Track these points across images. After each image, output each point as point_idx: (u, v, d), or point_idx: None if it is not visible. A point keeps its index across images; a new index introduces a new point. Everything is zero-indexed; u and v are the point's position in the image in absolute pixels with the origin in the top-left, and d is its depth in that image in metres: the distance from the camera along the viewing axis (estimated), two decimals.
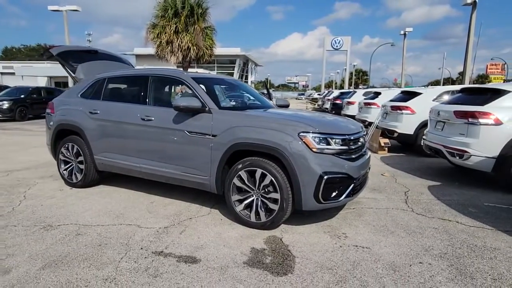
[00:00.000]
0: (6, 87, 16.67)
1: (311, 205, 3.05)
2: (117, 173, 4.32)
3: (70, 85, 20.42)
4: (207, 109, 3.51)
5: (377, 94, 11.20)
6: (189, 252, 2.77)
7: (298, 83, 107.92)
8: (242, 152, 3.30)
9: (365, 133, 3.75)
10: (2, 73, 39.79)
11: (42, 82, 35.13)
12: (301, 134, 3.05)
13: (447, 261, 2.62)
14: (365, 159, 3.51)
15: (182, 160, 3.62)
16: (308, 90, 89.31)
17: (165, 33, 19.40)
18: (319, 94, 46.16)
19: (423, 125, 7.14)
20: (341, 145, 3.15)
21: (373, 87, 30.46)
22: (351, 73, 56.54)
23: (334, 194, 3.10)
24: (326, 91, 27.40)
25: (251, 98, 4.67)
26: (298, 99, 58.96)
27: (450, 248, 2.85)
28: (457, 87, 7.78)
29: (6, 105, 13.55)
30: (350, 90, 17.64)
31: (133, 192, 4.39)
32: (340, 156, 3.12)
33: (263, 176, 3.15)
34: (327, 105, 18.96)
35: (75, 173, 4.51)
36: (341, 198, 3.15)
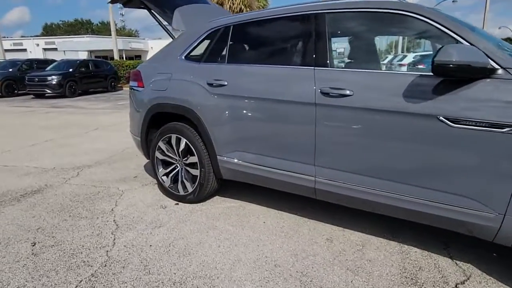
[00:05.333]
0: (53, 60, 15.65)
1: None
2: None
3: (116, 58, 19.12)
4: (499, 71, 1.64)
5: None
6: None
7: None
8: None
9: None
10: (45, 49, 39.83)
11: (82, 57, 34.65)
12: None
13: None
14: None
15: (429, 177, 1.81)
16: None
17: None
18: None
19: None
20: None
21: None
22: None
23: None
24: None
25: None
26: None
27: None
28: None
29: (55, 80, 12.42)
30: None
31: (276, 213, 2.71)
32: None
33: None
34: None
35: (182, 181, 2.89)
36: None
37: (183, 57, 2.83)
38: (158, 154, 2.99)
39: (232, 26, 2.60)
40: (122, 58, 24.85)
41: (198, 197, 2.85)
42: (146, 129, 3.02)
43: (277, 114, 2.26)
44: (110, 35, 19.21)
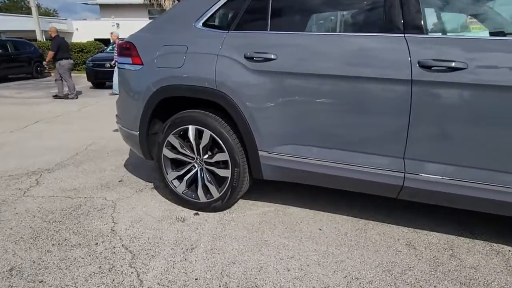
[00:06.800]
0: None
1: None
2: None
3: (40, 39, 16.33)
4: None
5: None
6: None
7: None
8: None
9: None
10: None
11: None
12: None
13: None
14: None
15: None
16: None
17: None
18: None
19: None
20: None
21: None
22: None
23: None
24: None
25: None
26: None
27: None
28: None
29: None
30: None
31: (325, 216, 2.26)
32: None
33: None
34: None
35: (204, 185, 2.27)
36: None
37: (201, 24, 2.16)
38: (166, 152, 2.31)
39: None
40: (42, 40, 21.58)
41: (227, 204, 2.26)
42: (148, 120, 2.30)
43: (353, 95, 1.77)
44: (21, 14, 16.34)
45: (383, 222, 2.18)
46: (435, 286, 1.60)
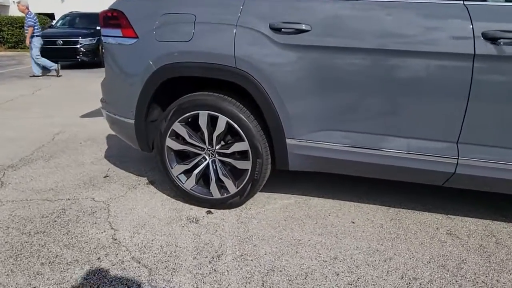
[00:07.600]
0: None
1: None
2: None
3: None
4: None
5: None
6: None
7: None
8: None
9: None
10: None
11: None
12: None
13: None
14: None
15: None
16: None
17: None
18: None
19: None
20: None
21: None
22: None
23: None
24: None
25: None
26: None
27: None
28: None
29: None
30: None
31: (353, 206, 2.08)
32: None
33: None
34: None
35: (219, 179, 1.96)
36: None
37: None
38: (171, 143, 1.96)
39: None
40: None
41: (246, 199, 1.99)
42: (147, 105, 1.92)
43: (403, 73, 1.55)
44: None
45: (414, 209, 2.05)
46: (497, 280, 1.48)
